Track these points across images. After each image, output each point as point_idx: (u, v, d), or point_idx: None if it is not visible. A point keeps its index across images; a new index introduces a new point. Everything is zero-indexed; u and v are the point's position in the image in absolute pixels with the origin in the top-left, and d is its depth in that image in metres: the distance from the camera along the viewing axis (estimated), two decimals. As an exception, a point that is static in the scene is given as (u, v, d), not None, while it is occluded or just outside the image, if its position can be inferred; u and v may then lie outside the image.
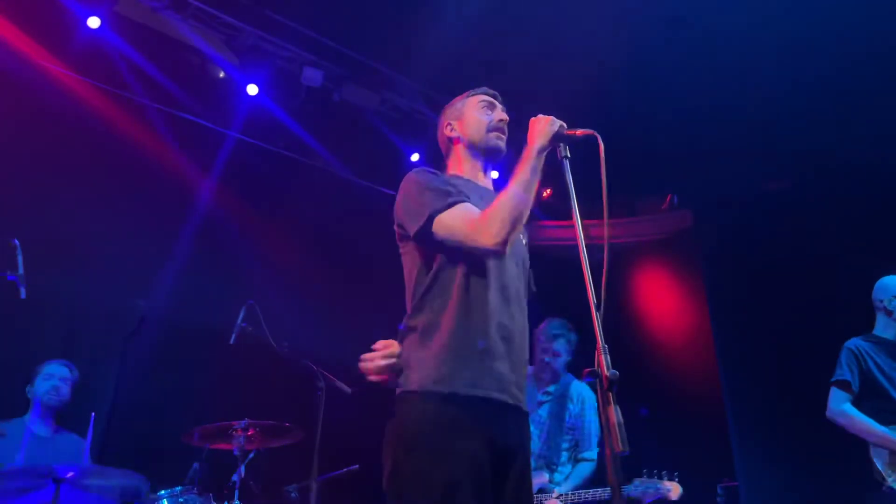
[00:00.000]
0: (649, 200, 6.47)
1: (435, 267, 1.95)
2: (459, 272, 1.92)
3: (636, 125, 5.19)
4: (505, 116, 2.23)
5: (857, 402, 3.41)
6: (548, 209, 6.70)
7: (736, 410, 5.46)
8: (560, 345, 3.69)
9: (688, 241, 6.19)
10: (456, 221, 1.90)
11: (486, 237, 1.85)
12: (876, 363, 3.41)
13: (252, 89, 5.07)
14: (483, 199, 2.06)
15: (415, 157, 5.88)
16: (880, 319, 3.59)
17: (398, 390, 1.89)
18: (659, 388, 5.54)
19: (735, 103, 5.02)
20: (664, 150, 5.59)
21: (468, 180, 2.16)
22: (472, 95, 2.26)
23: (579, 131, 1.87)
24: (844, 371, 3.44)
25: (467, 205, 1.94)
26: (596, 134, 1.80)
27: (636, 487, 3.55)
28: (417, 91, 5.66)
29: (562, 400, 3.78)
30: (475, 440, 1.77)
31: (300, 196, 5.35)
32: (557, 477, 3.69)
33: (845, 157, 5.05)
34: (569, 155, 1.86)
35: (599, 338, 1.50)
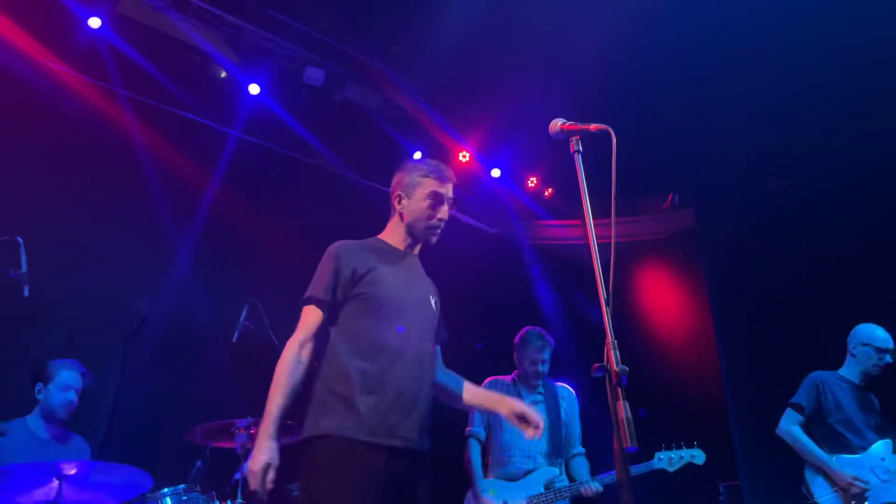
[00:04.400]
0: (651, 200, 6.47)
1: (347, 326, 2.25)
2: (367, 335, 2.23)
3: (638, 124, 5.17)
4: (445, 216, 2.41)
5: (806, 425, 3.92)
6: (549, 208, 6.70)
7: (738, 409, 5.46)
8: (547, 353, 4.00)
9: (690, 241, 6.18)
10: (301, 319, 2.28)
11: (287, 345, 2.27)
12: (835, 398, 3.90)
13: (254, 89, 5.07)
14: (396, 268, 2.35)
15: (417, 156, 5.89)
16: (848, 361, 4.03)
17: (308, 433, 2.20)
18: (661, 387, 5.54)
19: (737, 102, 5.02)
20: (666, 150, 5.59)
21: (393, 248, 2.42)
22: (429, 177, 2.41)
23: (592, 126, 1.89)
24: (802, 396, 3.95)
25: (311, 311, 2.27)
26: (609, 129, 1.82)
27: (660, 460, 3.87)
28: (419, 90, 5.66)
29: (553, 399, 4.03)
30: (373, 475, 2.08)
31: (302, 195, 5.36)
32: (555, 470, 3.89)
33: (847, 155, 5.04)
34: (581, 149, 1.86)
35: (609, 333, 1.50)
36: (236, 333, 3.31)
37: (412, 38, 5.02)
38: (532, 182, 6.48)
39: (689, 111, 5.15)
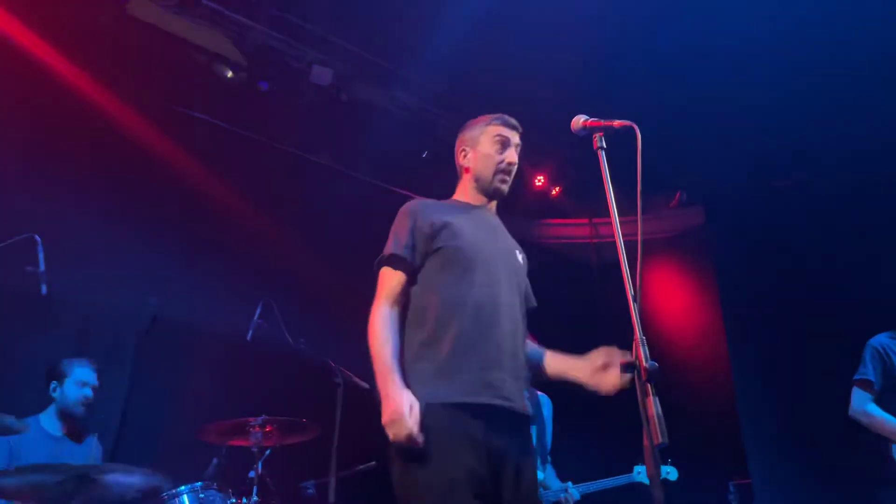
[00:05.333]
0: (658, 198, 6.45)
1: (428, 284, 2.09)
2: (452, 290, 2.05)
3: (645, 121, 5.16)
4: (514, 160, 2.28)
5: (879, 400, 3.40)
6: (556, 208, 6.69)
7: (748, 407, 5.44)
8: None
9: (700, 238, 6.18)
10: (380, 282, 2.12)
11: (372, 310, 2.08)
12: None
13: (261, 87, 5.07)
14: (476, 220, 2.20)
15: (423, 156, 5.89)
16: None
17: None
18: (670, 385, 5.53)
19: (746, 98, 5.01)
20: (674, 147, 5.57)
21: (468, 205, 2.29)
22: (492, 124, 2.31)
23: (616, 122, 1.88)
24: (868, 370, 3.43)
25: (390, 273, 2.11)
26: (634, 125, 1.81)
27: (639, 473, 3.97)
28: (426, 89, 5.66)
29: (537, 404, 4.10)
30: (471, 448, 1.88)
31: (310, 194, 5.35)
32: (541, 474, 3.94)
33: (858, 151, 5.04)
34: (604, 146, 1.86)
35: (637, 329, 1.50)
36: (250, 332, 3.30)
37: (419, 37, 5.02)
38: (539, 181, 6.48)
39: (698, 108, 5.13)
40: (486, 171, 2.27)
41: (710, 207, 6.17)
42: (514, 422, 2.02)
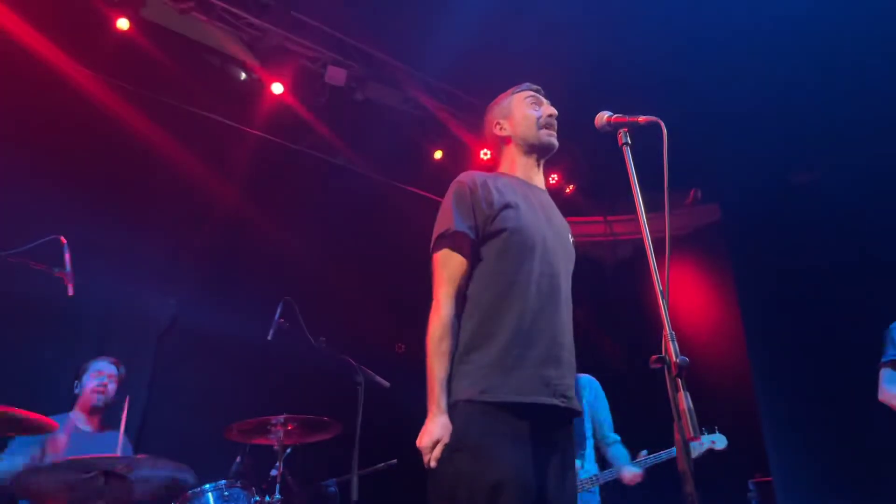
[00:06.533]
0: (674, 195, 6.42)
1: (485, 269, 1.97)
2: (511, 278, 1.93)
3: (659, 117, 5.14)
4: (553, 111, 2.21)
5: None
6: (570, 205, 6.67)
7: (768, 405, 5.41)
8: None
9: (716, 236, 6.15)
10: (439, 265, 1.96)
11: (434, 305, 1.93)
12: None
13: (277, 88, 5.10)
14: (531, 200, 2.08)
15: (437, 155, 5.91)
16: None
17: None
18: (688, 383, 5.50)
19: (761, 94, 4.98)
20: (689, 144, 5.53)
21: (520, 180, 2.17)
22: (517, 92, 2.26)
23: (641, 118, 1.88)
24: (893, 351, 3.34)
25: (450, 256, 1.95)
26: (659, 121, 1.81)
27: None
28: (440, 88, 5.67)
29: (576, 390, 3.93)
30: (518, 446, 1.80)
31: (326, 194, 5.38)
32: (579, 461, 3.79)
33: (875, 147, 5.00)
34: (629, 141, 1.85)
35: (667, 325, 1.50)
36: (271, 331, 3.32)
37: (432, 37, 5.03)
38: (553, 179, 6.48)
39: (714, 104, 5.11)
40: (530, 129, 2.17)
41: (727, 204, 6.14)
42: (565, 419, 1.96)
